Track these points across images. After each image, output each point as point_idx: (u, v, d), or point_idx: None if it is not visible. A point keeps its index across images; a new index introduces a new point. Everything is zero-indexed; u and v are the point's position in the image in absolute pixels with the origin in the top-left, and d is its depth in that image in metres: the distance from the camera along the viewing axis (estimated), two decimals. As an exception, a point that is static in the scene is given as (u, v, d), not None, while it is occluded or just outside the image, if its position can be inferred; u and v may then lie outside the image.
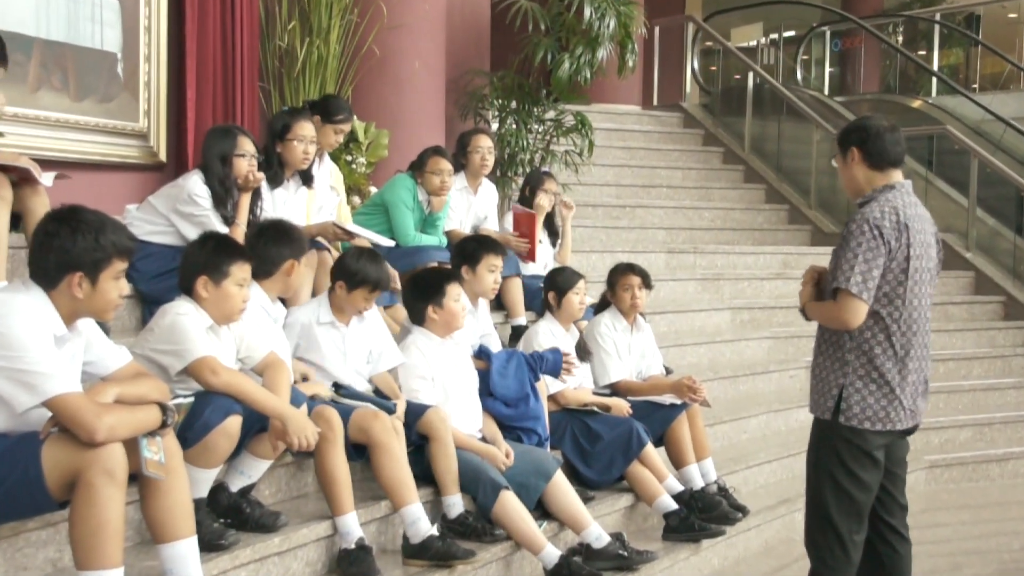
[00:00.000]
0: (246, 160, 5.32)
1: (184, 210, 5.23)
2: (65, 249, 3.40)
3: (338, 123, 6.24)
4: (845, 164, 4.46)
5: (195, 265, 4.22)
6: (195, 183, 5.26)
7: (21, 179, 4.52)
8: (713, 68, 14.39)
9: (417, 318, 5.35)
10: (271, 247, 4.75)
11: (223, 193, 5.26)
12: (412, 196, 6.62)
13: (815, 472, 4.50)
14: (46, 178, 4.59)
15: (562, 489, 5.36)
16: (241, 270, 4.28)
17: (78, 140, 6.53)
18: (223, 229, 5.17)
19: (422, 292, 5.31)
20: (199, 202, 5.25)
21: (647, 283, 6.53)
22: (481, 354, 5.76)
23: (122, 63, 6.80)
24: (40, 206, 4.54)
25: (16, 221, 4.59)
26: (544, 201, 7.35)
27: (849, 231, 4.27)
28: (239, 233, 5.15)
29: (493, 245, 5.95)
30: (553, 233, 7.62)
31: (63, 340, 3.44)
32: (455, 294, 5.31)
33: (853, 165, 4.42)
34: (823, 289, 4.46)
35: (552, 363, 5.75)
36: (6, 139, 5.73)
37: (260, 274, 4.71)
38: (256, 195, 5.44)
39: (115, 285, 3.50)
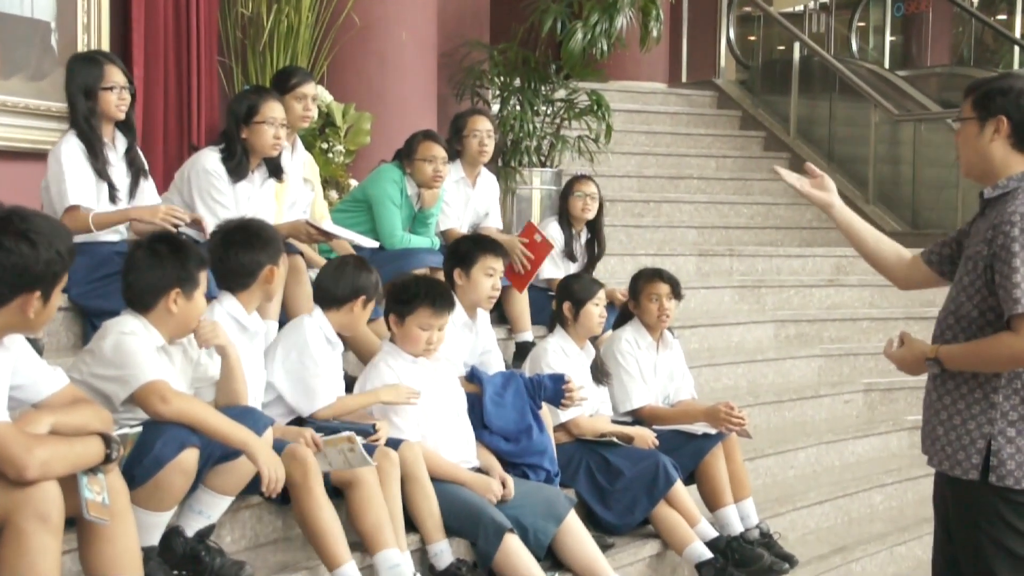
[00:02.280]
0: (115, 93, 5.43)
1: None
2: (23, 266, 3.36)
3: (295, 87, 6.26)
4: (978, 135, 3.95)
5: (167, 278, 4.21)
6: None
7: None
8: (752, 38, 14.39)
9: (390, 330, 5.38)
10: (243, 254, 4.75)
11: (94, 138, 5.39)
12: (399, 190, 6.62)
13: (979, 546, 3.95)
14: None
15: (576, 534, 5.34)
16: (205, 275, 4.34)
17: (4, 125, 6.52)
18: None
19: (392, 301, 5.34)
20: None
21: (676, 292, 6.51)
22: (473, 378, 5.74)
23: (56, 34, 6.80)
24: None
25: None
26: (576, 207, 7.37)
27: (1010, 237, 3.76)
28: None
29: (491, 245, 5.94)
30: (590, 246, 7.58)
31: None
32: (424, 319, 5.25)
33: (994, 139, 3.93)
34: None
35: (552, 391, 5.74)
36: (-82, 124, 5.73)
37: (235, 286, 4.75)
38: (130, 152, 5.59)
39: (58, 297, 3.51)
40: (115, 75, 5.45)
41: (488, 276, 5.85)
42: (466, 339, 5.81)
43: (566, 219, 7.51)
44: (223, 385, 4.45)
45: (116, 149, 5.53)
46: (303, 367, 4.96)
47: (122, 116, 5.49)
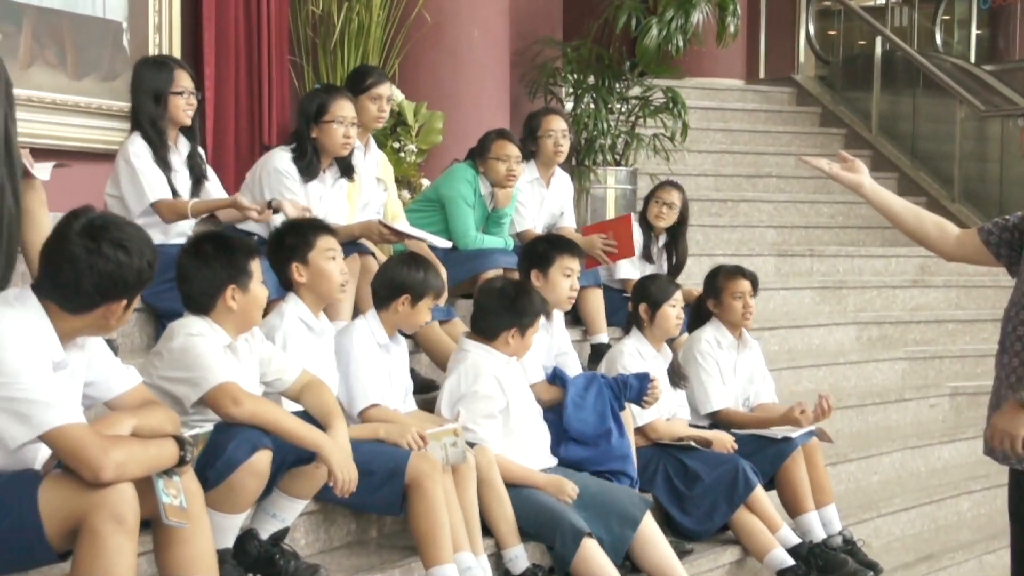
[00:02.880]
0: (183, 99, 5.49)
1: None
2: (118, 275, 3.40)
3: (370, 88, 6.28)
4: None
5: (219, 277, 4.25)
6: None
7: (13, 172, 4.58)
8: (832, 33, 14.27)
9: (492, 332, 5.37)
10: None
11: (159, 142, 5.45)
12: (473, 189, 6.64)
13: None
14: (41, 170, 4.63)
15: (651, 538, 5.35)
16: (258, 264, 4.36)
17: (78, 125, 6.63)
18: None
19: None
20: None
21: (756, 290, 6.53)
22: (555, 379, 5.76)
23: (128, 34, 6.90)
24: (37, 203, 4.60)
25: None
26: (651, 213, 7.36)
27: None
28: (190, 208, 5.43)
29: (568, 245, 5.96)
30: (669, 251, 7.56)
31: (61, 364, 3.46)
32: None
33: None
34: None
35: (637, 390, 5.74)
36: (-7, 125, 5.80)
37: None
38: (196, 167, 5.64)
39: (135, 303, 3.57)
40: (184, 80, 5.52)
41: (566, 276, 5.86)
42: (542, 340, 5.82)
43: (645, 220, 7.49)
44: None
45: (179, 153, 5.60)
46: (346, 369, 4.97)
47: (189, 121, 5.56)
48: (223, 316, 4.26)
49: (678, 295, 6.22)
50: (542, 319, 5.56)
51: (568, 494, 5.17)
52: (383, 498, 4.55)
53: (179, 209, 5.38)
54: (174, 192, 5.49)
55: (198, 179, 5.67)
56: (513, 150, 6.64)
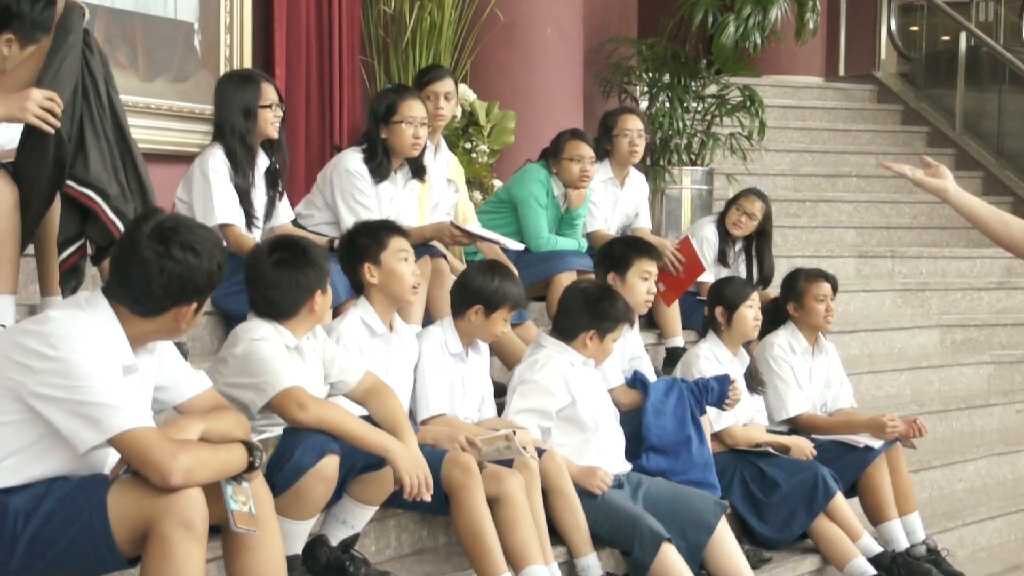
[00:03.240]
0: (271, 111, 5.48)
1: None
2: (188, 278, 3.43)
3: (425, 85, 6.30)
4: None
5: (310, 285, 4.25)
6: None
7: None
8: (915, 28, 14.12)
9: (571, 332, 5.36)
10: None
11: (246, 159, 5.44)
12: (545, 190, 6.63)
13: None
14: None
15: (725, 545, 5.32)
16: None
17: (148, 127, 6.66)
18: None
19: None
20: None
21: (835, 292, 6.50)
22: (635, 382, 5.74)
23: (200, 35, 6.94)
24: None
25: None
26: (730, 219, 7.30)
27: None
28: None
29: (646, 248, 5.95)
30: (748, 255, 7.50)
31: (131, 368, 3.49)
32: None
33: None
34: None
35: (718, 393, 5.70)
36: (64, 127, 5.86)
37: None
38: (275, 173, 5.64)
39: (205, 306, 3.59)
40: (271, 92, 5.51)
41: (643, 280, 5.86)
42: (617, 344, 5.79)
43: (724, 223, 7.42)
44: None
45: (258, 168, 5.58)
46: (415, 376, 4.98)
47: (276, 134, 5.54)
48: (300, 320, 4.28)
49: (754, 296, 6.20)
50: (625, 326, 5.53)
51: (600, 482, 5.11)
52: (430, 507, 4.52)
53: (243, 245, 5.27)
54: (249, 210, 5.46)
55: (274, 196, 5.65)
56: (587, 150, 6.63)
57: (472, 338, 5.14)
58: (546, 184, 6.64)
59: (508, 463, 4.77)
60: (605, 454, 5.34)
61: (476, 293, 5.04)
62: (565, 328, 5.37)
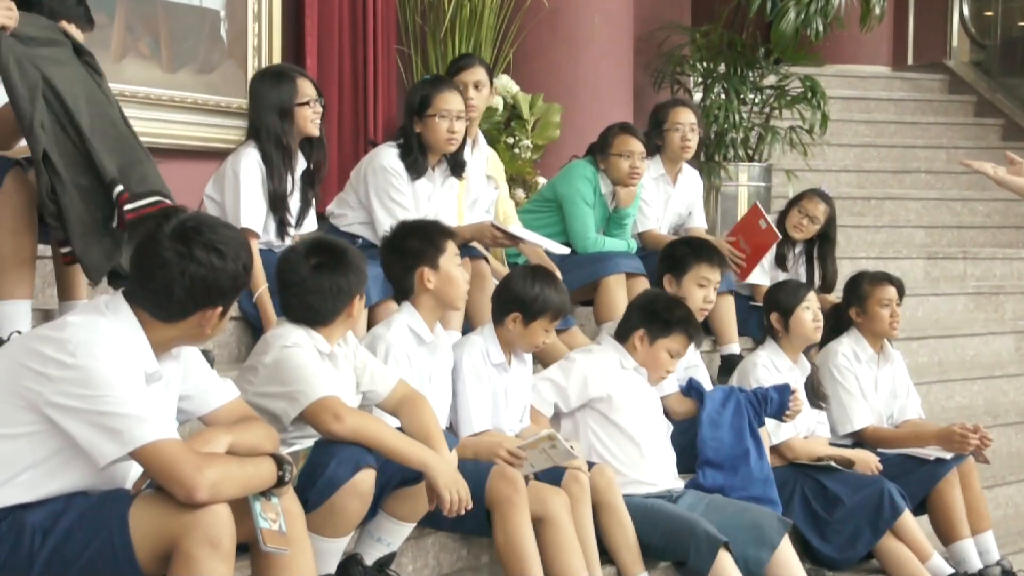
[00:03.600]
0: (309, 108, 5.48)
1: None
2: (212, 280, 3.42)
3: (459, 73, 6.32)
4: None
5: (351, 291, 4.27)
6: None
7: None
8: (989, 13, 14.02)
9: (624, 333, 5.38)
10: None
11: (283, 161, 5.43)
12: (593, 188, 6.62)
13: None
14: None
15: (787, 564, 5.31)
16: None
17: (172, 121, 6.72)
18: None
19: (646, 316, 5.42)
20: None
21: (902, 297, 6.50)
22: (691, 390, 5.72)
23: (226, 23, 6.98)
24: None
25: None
26: (790, 221, 7.27)
27: None
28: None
29: (708, 254, 5.94)
30: (808, 260, 7.47)
31: (154, 376, 3.50)
32: (677, 345, 5.42)
33: None
34: None
35: (778, 404, 5.68)
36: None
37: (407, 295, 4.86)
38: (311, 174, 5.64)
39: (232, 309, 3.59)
40: (308, 88, 5.49)
41: (701, 287, 5.86)
42: None
43: (783, 226, 7.38)
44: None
45: (294, 171, 5.57)
46: (455, 389, 4.98)
47: (317, 132, 5.53)
48: (336, 326, 4.30)
49: (811, 297, 6.20)
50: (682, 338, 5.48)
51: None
52: (469, 520, 4.52)
53: (256, 277, 5.32)
54: (283, 216, 5.47)
55: (308, 201, 5.66)
56: (637, 146, 6.62)
57: (512, 347, 5.14)
58: (593, 181, 6.64)
59: (558, 475, 4.78)
60: (656, 469, 5.35)
61: (515, 300, 5.02)
62: (621, 328, 5.46)
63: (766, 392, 5.71)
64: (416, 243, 4.83)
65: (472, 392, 4.95)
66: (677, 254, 6.01)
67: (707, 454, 5.57)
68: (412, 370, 4.67)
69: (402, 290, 4.88)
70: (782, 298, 6.20)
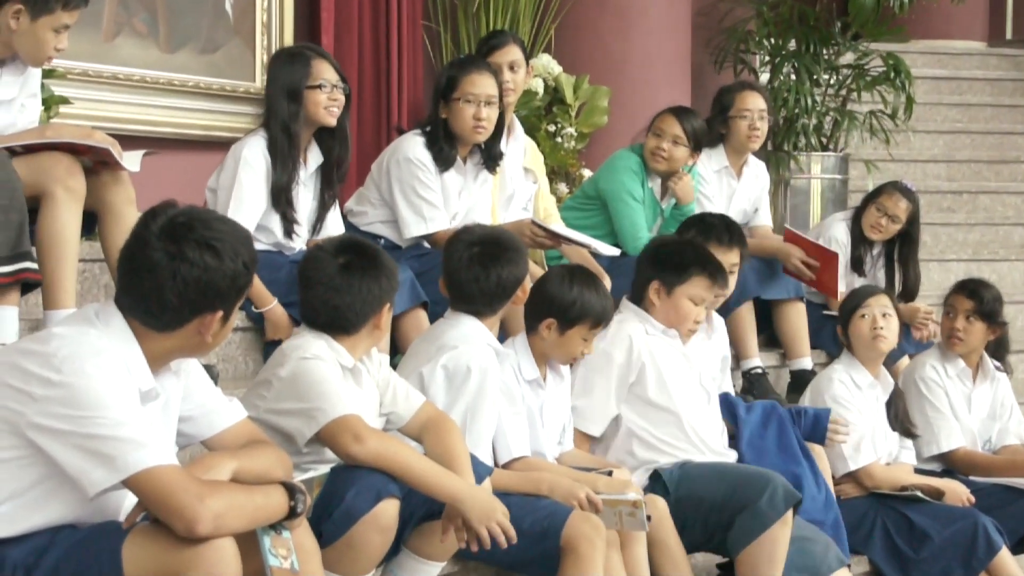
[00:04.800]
0: (324, 93, 5.48)
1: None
2: (207, 282, 3.41)
3: (491, 52, 6.33)
4: None
5: (383, 296, 4.29)
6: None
7: (97, 163, 4.67)
8: (1099, -19, 13.99)
9: (638, 291, 5.45)
10: (506, 270, 4.87)
11: (287, 149, 5.45)
12: (640, 181, 6.63)
13: None
14: (130, 160, 4.71)
15: None
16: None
17: (171, 107, 6.75)
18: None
19: (657, 266, 5.43)
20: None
21: (985, 312, 6.45)
22: (723, 409, 5.71)
23: (232, -3, 7.02)
24: (123, 200, 4.70)
25: (89, 222, 4.74)
26: (867, 220, 7.24)
27: None
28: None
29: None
30: (890, 270, 7.45)
31: (150, 395, 3.49)
32: (698, 289, 5.43)
33: None
34: None
35: (812, 424, 5.72)
36: (74, 107, 5.93)
37: (486, 310, 4.87)
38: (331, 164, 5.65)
39: (236, 315, 3.59)
40: (324, 71, 5.50)
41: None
42: (700, 347, 5.78)
43: (860, 224, 7.35)
44: None
45: (307, 166, 5.59)
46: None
47: (332, 120, 5.51)
48: (361, 338, 4.31)
49: (871, 301, 6.14)
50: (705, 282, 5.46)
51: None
52: (533, 560, 4.53)
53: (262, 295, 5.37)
54: (287, 213, 5.49)
55: (324, 202, 5.67)
56: (671, 125, 6.62)
57: (547, 360, 5.14)
58: (639, 174, 6.64)
59: None
60: (698, 443, 5.36)
61: (550, 303, 5.00)
62: (634, 287, 5.47)
63: (803, 409, 5.72)
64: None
65: (505, 414, 4.92)
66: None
67: None
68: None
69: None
70: (843, 305, 6.22)
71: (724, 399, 5.75)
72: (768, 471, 5.17)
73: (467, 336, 4.76)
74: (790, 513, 5.05)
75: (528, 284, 4.96)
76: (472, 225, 5.21)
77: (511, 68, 6.35)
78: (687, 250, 5.46)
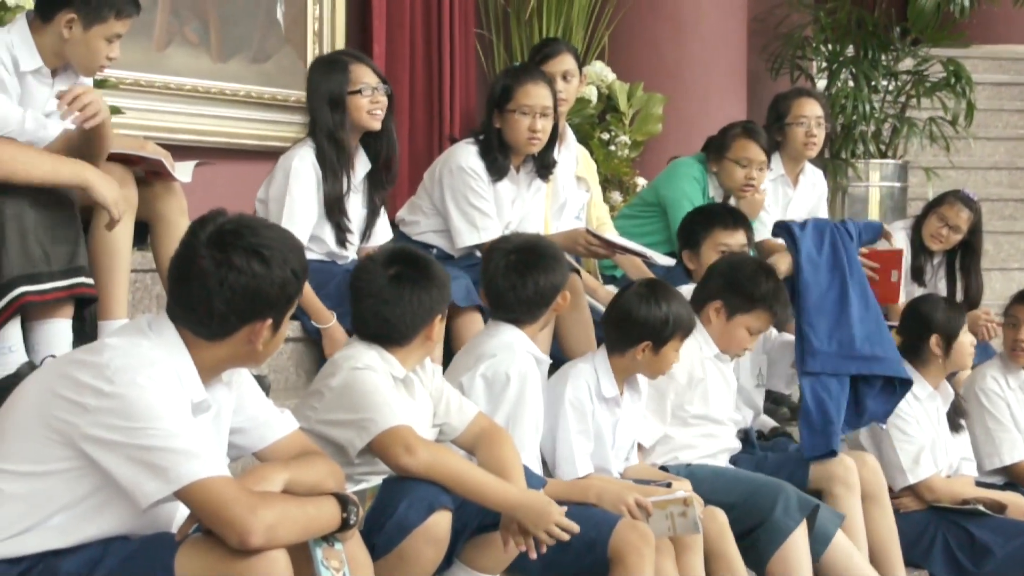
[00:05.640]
0: (365, 98, 5.50)
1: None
2: (255, 289, 3.42)
3: (545, 61, 6.33)
4: None
5: (435, 307, 4.31)
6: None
7: (149, 174, 4.70)
8: None
9: (699, 300, 5.48)
10: (543, 277, 4.89)
11: (337, 158, 5.47)
12: (701, 190, 6.61)
13: None
14: (182, 171, 4.75)
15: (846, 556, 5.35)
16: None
17: (222, 116, 6.78)
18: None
19: (728, 288, 5.46)
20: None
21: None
22: (780, 232, 5.85)
23: (283, 6, 7.04)
24: (176, 211, 4.73)
25: (142, 232, 4.78)
26: (927, 230, 7.22)
27: None
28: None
29: (724, 216, 5.94)
30: (951, 280, 7.41)
31: (202, 406, 3.51)
32: (760, 323, 5.49)
33: None
34: None
35: (860, 231, 5.91)
36: (125, 117, 5.97)
37: (527, 317, 4.89)
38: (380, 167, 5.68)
39: (288, 324, 3.60)
40: (363, 74, 5.53)
41: (721, 254, 5.85)
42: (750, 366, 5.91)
43: (920, 233, 7.32)
44: None
45: (355, 173, 5.62)
46: (553, 425, 4.98)
47: (377, 124, 5.55)
48: (413, 349, 4.33)
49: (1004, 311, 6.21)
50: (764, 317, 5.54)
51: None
52: (582, 571, 4.53)
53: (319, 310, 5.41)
54: (341, 222, 5.53)
55: (375, 209, 5.70)
56: (758, 154, 6.57)
57: (631, 376, 5.16)
58: (702, 183, 6.62)
59: None
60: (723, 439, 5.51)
61: (642, 327, 5.01)
62: (697, 292, 5.49)
63: (853, 222, 5.92)
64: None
65: (576, 431, 4.96)
66: (688, 226, 6.05)
67: (810, 299, 5.66)
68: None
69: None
70: (944, 320, 6.15)
71: (781, 224, 5.98)
72: (778, 481, 5.20)
73: (506, 344, 4.78)
74: (805, 522, 5.10)
75: (568, 292, 4.96)
76: (511, 234, 5.24)
77: (564, 78, 6.35)
78: (763, 281, 5.43)
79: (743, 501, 5.12)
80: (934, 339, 6.12)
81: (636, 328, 5.01)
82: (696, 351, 5.37)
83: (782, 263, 5.89)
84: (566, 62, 6.39)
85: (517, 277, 4.81)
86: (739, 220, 6.00)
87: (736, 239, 5.90)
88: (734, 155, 6.59)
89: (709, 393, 5.41)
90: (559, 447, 4.96)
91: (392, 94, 5.67)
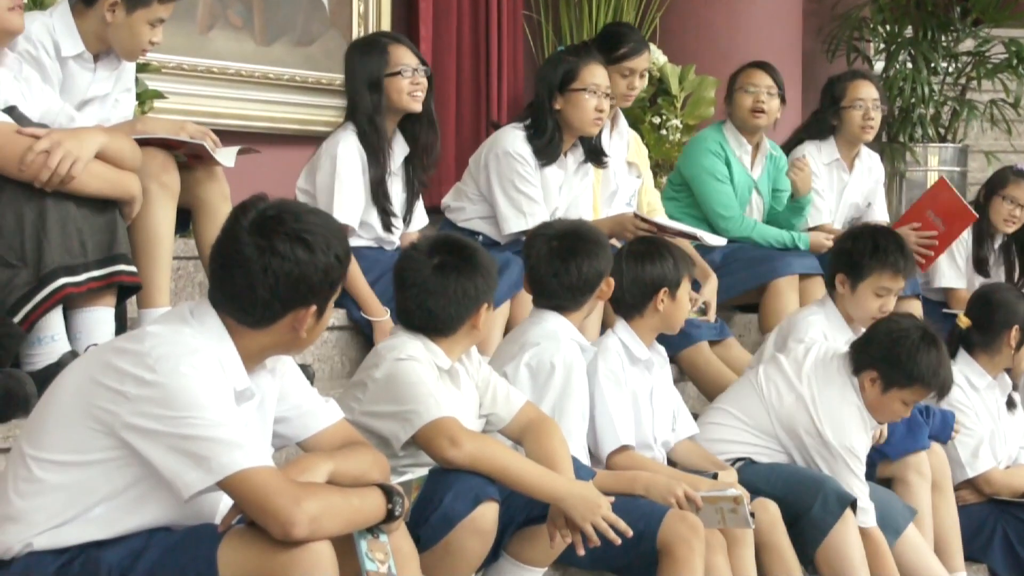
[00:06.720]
0: (405, 80, 5.51)
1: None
2: (299, 275, 3.42)
3: (623, 59, 6.29)
4: None
5: (480, 297, 4.31)
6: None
7: (190, 158, 4.73)
8: None
9: (858, 365, 5.39)
10: (586, 263, 4.88)
11: (377, 141, 5.49)
12: (724, 160, 6.62)
13: None
14: (225, 156, 4.76)
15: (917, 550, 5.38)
16: None
17: (266, 101, 6.81)
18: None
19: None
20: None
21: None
22: None
23: (328, -12, 7.07)
24: (219, 197, 4.76)
25: (184, 219, 4.80)
26: (997, 213, 7.18)
27: None
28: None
29: (896, 257, 5.71)
30: (1010, 264, 7.37)
31: (246, 394, 3.52)
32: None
33: None
34: None
35: (940, 422, 5.74)
36: (168, 101, 5.99)
37: (571, 305, 4.89)
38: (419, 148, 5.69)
39: (331, 311, 3.61)
40: (403, 56, 5.54)
41: (878, 296, 5.68)
42: None
43: (985, 218, 7.27)
44: None
45: (394, 157, 5.64)
46: (591, 403, 4.98)
47: (417, 106, 5.56)
48: (459, 339, 4.33)
49: None
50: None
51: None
52: (631, 563, 4.53)
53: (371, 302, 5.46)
54: (386, 206, 5.56)
55: (414, 193, 5.73)
56: (763, 78, 6.65)
57: (655, 336, 5.21)
58: (722, 153, 6.63)
59: None
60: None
61: (658, 278, 5.10)
62: (856, 356, 5.36)
63: (931, 409, 5.73)
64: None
65: (612, 400, 4.98)
66: (856, 252, 5.77)
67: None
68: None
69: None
70: (997, 315, 6.12)
71: None
72: (821, 476, 5.20)
73: (551, 332, 4.79)
74: (848, 512, 5.08)
75: (612, 279, 4.96)
76: (554, 220, 5.24)
77: (641, 76, 6.36)
78: (924, 357, 5.26)
79: (784, 495, 5.11)
80: (1014, 331, 6.10)
81: (654, 281, 5.10)
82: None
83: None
84: (647, 60, 6.40)
85: (560, 263, 4.81)
86: (905, 266, 5.78)
87: (897, 285, 5.78)
88: (742, 86, 6.67)
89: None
90: (598, 419, 4.97)
91: (432, 76, 5.67)
